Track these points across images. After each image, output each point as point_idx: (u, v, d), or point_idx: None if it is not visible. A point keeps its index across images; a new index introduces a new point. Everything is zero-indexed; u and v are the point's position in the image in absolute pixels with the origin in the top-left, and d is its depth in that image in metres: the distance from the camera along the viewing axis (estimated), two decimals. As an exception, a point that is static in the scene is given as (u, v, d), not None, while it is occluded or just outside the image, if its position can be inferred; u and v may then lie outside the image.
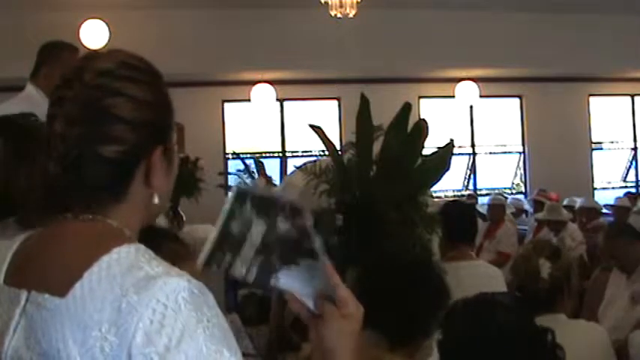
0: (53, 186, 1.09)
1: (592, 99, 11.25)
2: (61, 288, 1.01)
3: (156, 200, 1.14)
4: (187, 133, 6.73)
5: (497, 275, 3.60)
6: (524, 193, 11.13)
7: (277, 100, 10.20)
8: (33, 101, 3.12)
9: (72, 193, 1.10)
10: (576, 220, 7.75)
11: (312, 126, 3.58)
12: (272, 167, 9.31)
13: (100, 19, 8.17)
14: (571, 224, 7.46)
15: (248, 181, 8.25)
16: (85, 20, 8.11)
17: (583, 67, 10.16)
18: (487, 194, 10.16)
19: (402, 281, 2.30)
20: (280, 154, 10.68)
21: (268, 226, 1.02)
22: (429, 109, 10.35)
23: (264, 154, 10.29)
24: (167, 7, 8.88)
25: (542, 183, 9.85)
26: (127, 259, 1.02)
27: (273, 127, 10.72)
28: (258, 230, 1.02)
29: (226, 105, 10.41)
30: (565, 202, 8.33)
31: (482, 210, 8.12)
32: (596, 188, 11.24)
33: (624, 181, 11.68)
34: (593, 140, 11.34)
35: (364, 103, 3.42)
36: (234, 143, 10.41)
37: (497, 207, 8.04)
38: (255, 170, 8.51)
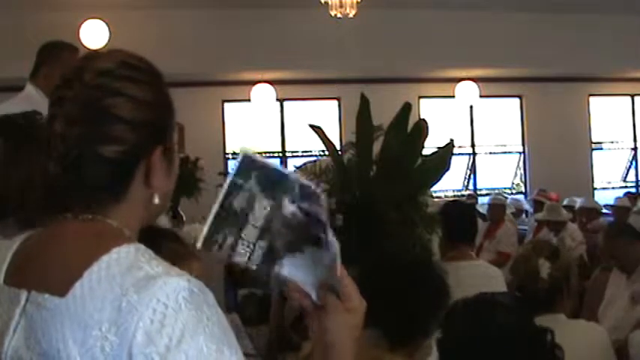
0: (53, 186, 1.09)
1: (592, 99, 11.25)
2: (61, 288, 1.01)
3: (156, 200, 1.14)
4: (187, 133, 6.73)
5: (497, 275, 3.60)
6: (524, 193, 11.13)
7: (277, 100, 10.20)
8: (33, 101, 3.12)
9: (72, 193, 1.10)
10: (576, 220, 7.75)
11: (312, 126, 3.59)
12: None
13: (100, 19, 8.17)
14: (571, 224, 7.46)
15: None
16: (85, 20, 8.11)
17: (583, 67, 10.16)
18: (487, 194, 10.16)
19: (402, 281, 2.30)
20: (280, 154, 10.68)
21: (273, 207, 0.96)
22: (429, 109, 10.35)
23: (264, 154, 10.29)
24: (167, 7, 8.89)
25: (542, 183, 9.85)
26: (126, 259, 1.02)
27: (273, 127, 10.72)
28: (261, 209, 0.96)
29: (226, 105, 10.42)
30: (565, 202, 8.33)
31: (483, 210, 8.12)
32: (596, 188, 11.24)
33: (624, 181, 11.68)
34: (593, 140, 11.34)
35: (364, 103, 3.43)
36: (234, 143, 10.41)
37: (497, 207, 8.04)
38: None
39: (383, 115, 3.46)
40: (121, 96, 1.10)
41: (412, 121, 3.48)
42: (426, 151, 3.56)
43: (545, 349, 1.94)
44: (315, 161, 3.60)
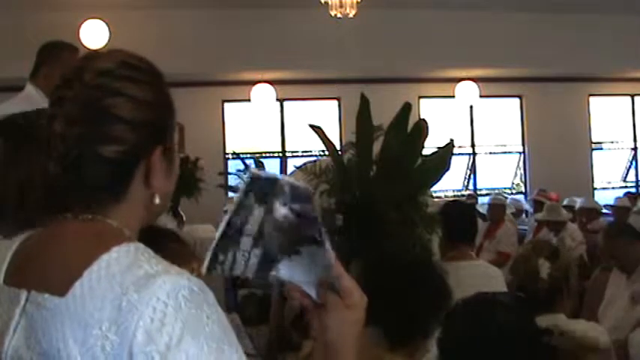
0: (53, 186, 1.09)
1: (592, 99, 11.25)
2: (61, 287, 1.01)
3: (157, 200, 1.14)
4: (187, 133, 6.73)
5: (497, 275, 3.60)
6: (524, 193, 11.13)
7: (277, 100, 10.20)
8: (33, 101, 3.12)
9: (72, 193, 1.10)
10: (576, 220, 7.75)
11: (312, 126, 3.59)
12: (272, 167, 9.31)
13: (100, 19, 8.17)
14: (571, 224, 7.46)
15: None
16: (85, 20, 8.11)
17: (583, 67, 10.16)
18: (487, 194, 10.16)
19: (402, 281, 2.31)
20: (280, 154, 10.68)
21: (265, 212, 0.96)
22: (429, 109, 10.35)
23: (264, 154, 10.30)
24: (167, 7, 8.89)
25: (542, 183, 9.85)
26: (126, 258, 1.02)
27: (273, 127, 10.72)
28: (255, 217, 0.96)
29: (226, 105, 10.41)
30: (565, 202, 8.34)
31: (483, 210, 8.12)
32: (596, 188, 11.24)
33: (624, 181, 11.68)
34: (593, 140, 11.34)
35: (364, 103, 3.43)
36: (234, 143, 10.41)
37: (498, 207, 8.04)
38: (255, 170, 8.50)
39: (383, 115, 3.46)
40: (121, 96, 1.10)
41: (412, 121, 3.47)
42: (426, 151, 3.56)
43: (545, 349, 1.94)
44: (315, 161, 3.59)
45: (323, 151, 3.97)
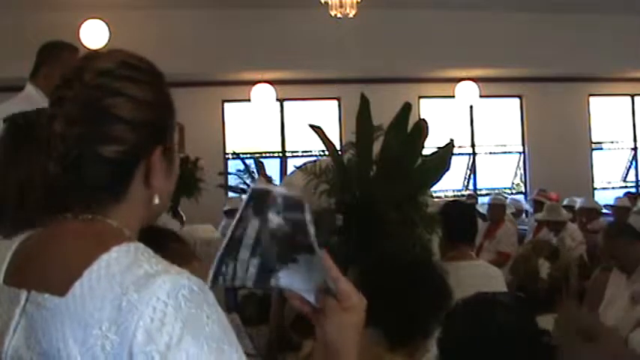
0: (53, 186, 1.09)
1: (592, 99, 11.25)
2: (61, 287, 1.01)
3: (156, 201, 1.14)
4: (187, 133, 6.73)
5: (497, 275, 3.61)
6: (524, 193, 11.14)
7: (277, 100, 10.20)
8: (33, 101, 3.12)
9: (72, 193, 1.10)
10: (576, 220, 7.75)
11: (312, 126, 3.58)
12: (272, 167, 9.32)
13: (100, 19, 8.17)
14: (571, 224, 7.46)
15: (253, 183, 8.25)
16: (85, 20, 8.11)
17: (583, 67, 10.16)
18: (487, 194, 10.16)
19: (402, 281, 2.31)
20: (280, 154, 10.68)
21: (261, 223, 0.99)
22: (429, 109, 10.35)
23: (264, 154, 10.30)
24: (167, 7, 8.89)
25: (542, 183, 9.85)
26: (126, 258, 1.02)
27: (273, 127, 10.72)
28: (252, 228, 0.99)
29: (226, 105, 10.42)
30: (565, 202, 8.34)
31: (483, 210, 8.12)
32: (596, 188, 11.24)
33: (624, 181, 11.68)
34: (593, 140, 11.34)
35: (364, 103, 3.42)
36: (234, 143, 10.41)
37: (498, 207, 8.04)
38: (255, 170, 8.52)
39: (383, 115, 3.46)
40: (120, 96, 1.10)
41: (412, 121, 3.47)
42: (426, 151, 3.55)
43: (545, 349, 1.94)
44: (315, 161, 3.59)
45: (323, 151, 3.97)
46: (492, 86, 10.52)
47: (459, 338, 1.97)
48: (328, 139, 3.54)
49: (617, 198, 8.55)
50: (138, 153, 1.11)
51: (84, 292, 1.00)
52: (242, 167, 8.78)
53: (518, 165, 11.34)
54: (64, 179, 1.09)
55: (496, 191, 10.09)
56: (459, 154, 10.46)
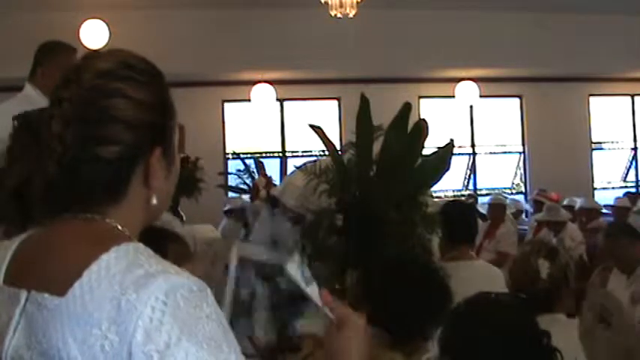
0: (52, 186, 1.09)
1: (592, 99, 11.25)
2: (61, 287, 1.01)
3: (154, 201, 1.14)
4: (187, 133, 6.70)
5: (497, 275, 3.61)
6: (525, 193, 11.14)
7: (277, 100, 10.20)
8: (32, 101, 3.12)
9: (71, 194, 1.10)
10: (576, 220, 7.75)
11: (312, 126, 3.58)
12: (272, 167, 9.30)
13: (100, 19, 8.17)
14: (570, 224, 7.46)
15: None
16: (85, 20, 8.11)
17: (583, 67, 10.16)
18: (487, 194, 10.16)
19: (402, 282, 2.31)
20: (280, 154, 10.68)
21: (270, 289, 1.11)
22: (429, 109, 10.35)
23: (264, 154, 10.29)
24: (167, 7, 8.88)
25: (542, 183, 9.85)
26: (125, 258, 1.02)
27: (273, 127, 10.72)
28: (261, 294, 1.12)
29: (226, 105, 10.41)
30: (565, 202, 8.34)
31: (483, 210, 8.12)
32: (596, 188, 11.24)
33: (624, 181, 11.68)
34: (593, 140, 11.34)
35: (364, 103, 3.42)
36: (234, 143, 10.41)
37: (498, 207, 8.04)
38: (255, 170, 8.51)
39: (383, 115, 3.45)
40: (119, 97, 1.10)
41: (412, 121, 3.46)
42: (426, 151, 3.55)
43: (545, 349, 1.94)
44: (315, 161, 3.58)
45: (323, 151, 3.96)
46: (492, 86, 10.52)
47: (460, 338, 1.97)
48: (328, 139, 3.54)
49: (617, 198, 8.55)
50: (137, 154, 1.11)
51: (84, 292, 1.00)
52: (242, 167, 8.76)
53: (518, 165, 11.34)
54: (62, 179, 1.09)
55: (496, 191, 10.08)
56: (459, 154, 10.46)
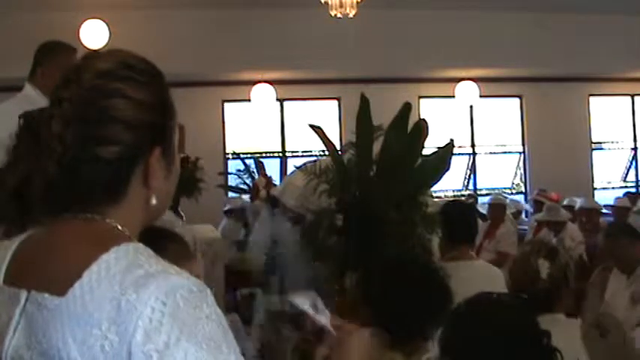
0: (52, 186, 1.09)
1: (592, 99, 11.25)
2: (61, 287, 1.01)
3: (153, 201, 1.14)
4: (187, 133, 6.70)
5: (497, 275, 3.60)
6: (525, 193, 11.14)
7: (277, 100, 10.20)
8: (31, 101, 3.12)
9: (71, 193, 1.10)
10: (576, 220, 7.75)
11: (312, 126, 3.58)
12: (272, 167, 9.31)
13: (100, 19, 8.17)
14: (570, 224, 7.46)
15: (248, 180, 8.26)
16: (85, 20, 8.11)
17: (583, 67, 10.16)
18: (487, 194, 10.16)
19: (402, 282, 2.31)
20: (280, 154, 10.68)
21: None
22: (429, 109, 10.35)
23: (264, 154, 10.29)
24: (167, 7, 8.88)
25: (542, 183, 9.85)
26: (125, 258, 1.02)
27: (273, 127, 10.72)
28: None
29: (226, 105, 10.41)
30: (565, 202, 8.33)
31: (483, 210, 8.12)
32: (596, 188, 11.24)
33: (624, 181, 11.68)
34: (593, 140, 11.34)
35: (364, 103, 3.42)
36: (234, 143, 10.41)
37: (498, 207, 8.04)
38: (255, 170, 8.51)
39: (383, 115, 3.46)
40: (119, 97, 1.10)
41: (412, 121, 3.47)
42: (426, 151, 3.55)
43: (545, 349, 1.94)
44: (315, 161, 3.59)
45: (323, 151, 3.97)
46: (492, 86, 10.51)
47: (460, 338, 1.97)
48: (328, 139, 3.54)
49: (617, 198, 8.55)
50: (136, 154, 1.11)
51: (84, 293, 1.00)
52: (242, 167, 8.77)
53: (518, 165, 11.34)
54: (62, 179, 1.09)
55: (496, 191, 10.08)
56: (459, 154, 10.46)
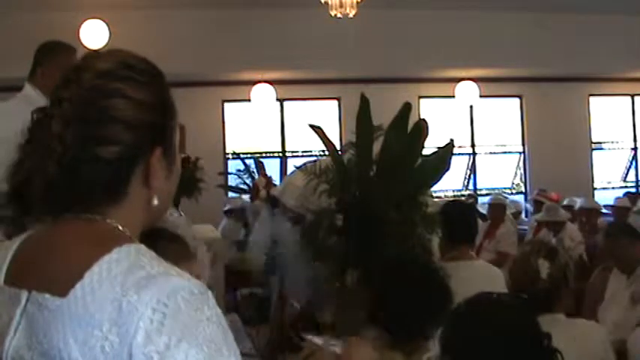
0: (53, 186, 1.09)
1: (592, 99, 11.25)
2: (62, 288, 1.01)
3: (155, 202, 1.14)
4: (187, 133, 6.71)
5: (497, 275, 3.60)
6: (525, 193, 11.14)
7: (277, 100, 10.20)
8: (31, 101, 3.11)
9: (71, 194, 1.10)
10: (576, 220, 7.75)
11: (312, 126, 3.58)
12: (272, 167, 9.31)
13: (100, 19, 8.17)
14: (570, 224, 7.46)
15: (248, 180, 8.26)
16: (85, 20, 8.11)
17: (583, 67, 10.16)
18: (487, 194, 10.16)
19: (402, 282, 2.31)
20: (280, 154, 10.68)
21: None
22: (429, 109, 10.35)
23: (264, 154, 10.29)
24: (167, 7, 8.88)
25: (542, 183, 9.85)
26: (127, 259, 1.02)
27: (273, 127, 10.72)
28: None
29: (226, 105, 10.41)
30: (565, 202, 8.34)
31: (483, 210, 8.12)
32: (596, 188, 11.24)
33: (624, 181, 11.68)
34: (593, 140, 11.34)
35: (364, 103, 3.42)
36: (234, 143, 10.41)
37: (498, 207, 8.04)
38: (255, 170, 8.51)
39: (383, 115, 3.46)
40: (119, 97, 1.10)
41: (412, 121, 3.47)
42: (426, 151, 3.55)
43: (546, 349, 1.95)
44: (315, 161, 3.59)
45: (323, 151, 3.97)
46: (492, 86, 10.51)
47: (461, 338, 1.97)
48: (328, 139, 3.54)
49: (617, 198, 8.54)
50: (137, 154, 1.11)
51: (85, 294, 0.99)
52: (242, 167, 8.77)
53: (518, 165, 11.34)
54: (62, 179, 1.08)
55: (496, 191, 10.08)
56: (459, 154, 10.46)
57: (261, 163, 8.72)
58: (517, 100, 11.20)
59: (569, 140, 10.74)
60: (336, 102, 10.56)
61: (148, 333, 0.96)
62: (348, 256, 3.24)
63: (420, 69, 10.04)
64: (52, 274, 1.05)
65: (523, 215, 9.60)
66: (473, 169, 11.22)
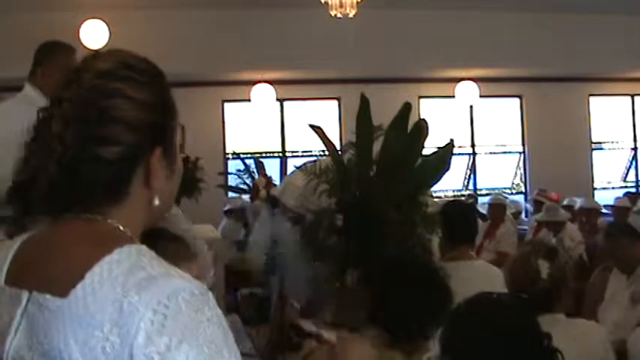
0: (53, 186, 1.09)
1: (592, 99, 11.25)
2: (63, 288, 1.01)
3: (156, 202, 1.14)
4: (187, 133, 6.69)
5: (497, 275, 3.60)
6: (525, 193, 11.14)
7: (277, 100, 10.20)
8: (31, 101, 3.12)
9: (71, 194, 1.10)
10: (576, 220, 7.75)
11: (312, 126, 3.58)
12: (272, 167, 9.31)
13: (100, 19, 8.17)
14: (570, 224, 7.46)
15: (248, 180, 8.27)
16: (85, 20, 8.11)
17: (583, 67, 10.16)
18: (487, 194, 10.16)
19: (402, 282, 2.31)
20: (280, 154, 10.68)
21: None
22: (429, 109, 10.35)
23: (264, 154, 10.29)
24: (167, 7, 8.88)
25: (542, 183, 9.85)
26: (128, 260, 1.02)
27: (273, 127, 10.72)
28: None
29: (226, 105, 10.41)
30: (565, 202, 8.34)
31: (483, 210, 8.12)
32: (596, 188, 11.24)
33: (624, 181, 11.68)
34: (593, 140, 11.34)
35: (364, 103, 3.42)
36: (234, 143, 10.41)
37: (498, 207, 8.04)
38: (255, 170, 8.52)
39: (383, 115, 3.46)
40: (119, 97, 1.10)
41: (412, 121, 3.47)
42: (426, 151, 3.55)
43: (546, 349, 1.95)
44: (315, 161, 3.59)
45: (323, 151, 3.97)
46: (492, 86, 10.51)
47: (461, 338, 1.97)
48: (328, 139, 3.54)
49: (617, 198, 8.54)
50: (137, 154, 1.11)
51: (86, 294, 0.99)
52: (242, 167, 8.78)
53: (518, 165, 11.34)
54: (63, 179, 1.08)
55: (496, 191, 10.08)
56: (459, 154, 10.46)
57: (261, 163, 8.73)
58: (517, 100, 11.20)
59: (569, 140, 10.74)
60: (336, 102, 10.56)
61: (149, 334, 0.96)
62: (348, 256, 3.24)
63: (420, 69, 10.04)
64: (52, 274, 1.05)
65: (523, 215, 9.60)
66: (473, 169, 11.22)
